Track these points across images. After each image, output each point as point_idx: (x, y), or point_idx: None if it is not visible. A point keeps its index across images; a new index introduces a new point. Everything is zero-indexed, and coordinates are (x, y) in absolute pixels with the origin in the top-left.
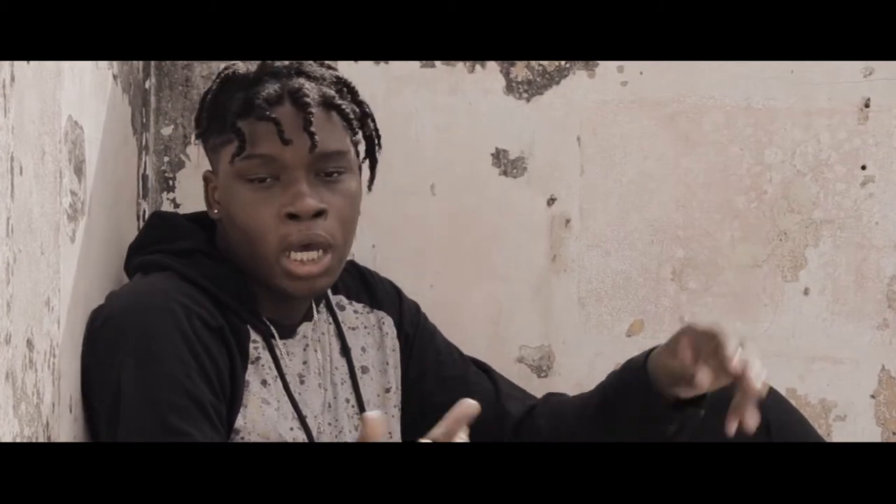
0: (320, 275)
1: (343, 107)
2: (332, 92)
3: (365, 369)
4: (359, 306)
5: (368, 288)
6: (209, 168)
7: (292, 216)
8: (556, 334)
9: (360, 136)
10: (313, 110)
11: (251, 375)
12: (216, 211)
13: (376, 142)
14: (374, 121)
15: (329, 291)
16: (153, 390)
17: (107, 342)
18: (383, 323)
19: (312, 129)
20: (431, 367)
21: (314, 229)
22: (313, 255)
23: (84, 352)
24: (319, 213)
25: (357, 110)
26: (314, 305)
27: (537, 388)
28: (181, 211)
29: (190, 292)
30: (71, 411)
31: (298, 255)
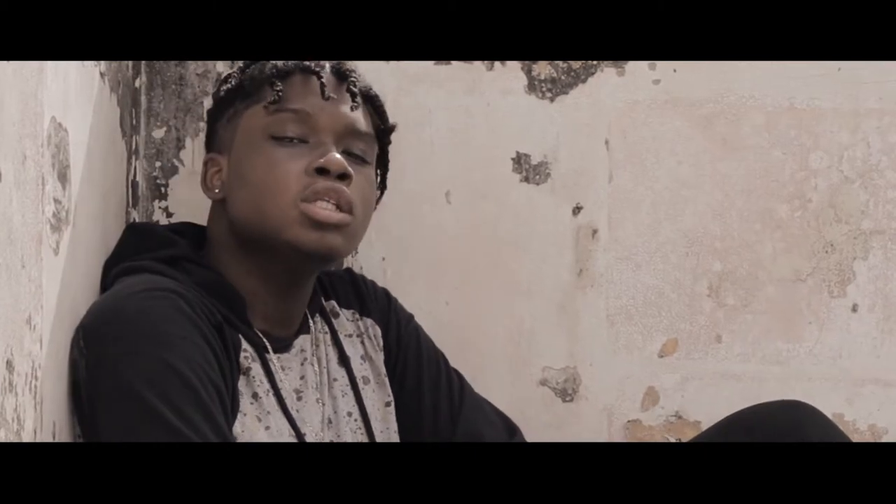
0: (338, 227)
1: (377, 103)
2: (369, 91)
3: (366, 380)
4: (348, 313)
5: (359, 295)
6: (199, 172)
7: (320, 171)
8: (583, 355)
9: (377, 145)
10: (356, 79)
11: (242, 387)
12: (217, 191)
13: (386, 161)
14: (390, 142)
15: (322, 297)
16: (172, 376)
17: (106, 346)
18: (370, 331)
19: (355, 89)
20: (425, 381)
21: (340, 185)
22: (332, 209)
23: (76, 369)
24: (346, 176)
25: (382, 124)
26: (309, 316)
27: (562, 413)
28: (174, 220)
29: (185, 288)
30: (54, 438)
31: (318, 204)
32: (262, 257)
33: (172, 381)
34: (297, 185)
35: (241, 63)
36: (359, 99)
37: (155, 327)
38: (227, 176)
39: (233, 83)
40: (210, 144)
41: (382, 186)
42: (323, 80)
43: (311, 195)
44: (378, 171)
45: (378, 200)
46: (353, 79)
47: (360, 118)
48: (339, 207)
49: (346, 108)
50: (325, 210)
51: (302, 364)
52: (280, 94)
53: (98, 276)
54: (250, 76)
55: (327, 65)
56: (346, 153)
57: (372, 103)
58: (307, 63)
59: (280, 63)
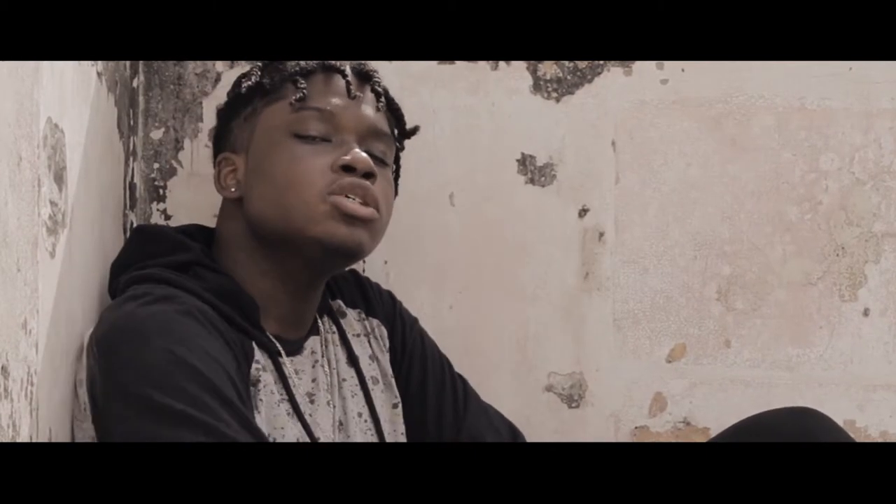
0: (365, 222)
1: (395, 105)
2: (388, 93)
3: (375, 380)
4: (354, 313)
5: (365, 295)
6: (209, 170)
7: (347, 168)
8: (589, 360)
9: (395, 147)
10: (380, 80)
11: (254, 398)
12: (233, 189)
13: (399, 167)
14: (403, 148)
15: (328, 297)
16: (184, 368)
17: (118, 345)
18: (377, 332)
19: (380, 89)
20: (430, 383)
21: (365, 183)
22: (360, 201)
23: (95, 378)
24: (371, 175)
25: (399, 127)
26: (317, 316)
27: (568, 419)
28: (173, 223)
29: (197, 301)
30: None
31: (347, 198)
32: (281, 256)
33: (185, 372)
34: (323, 181)
35: (259, 63)
36: (383, 99)
37: (166, 326)
38: (244, 174)
39: (253, 81)
40: (223, 144)
41: (395, 192)
42: (348, 78)
43: (338, 189)
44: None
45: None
46: (376, 79)
47: (381, 119)
48: (365, 203)
49: (369, 108)
50: (354, 202)
51: (313, 366)
52: (305, 91)
53: (95, 279)
54: (271, 74)
55: (348, 65)
56: (368, 153)
57: (391, 106)
58: (331, 62)
59: (303, 62)
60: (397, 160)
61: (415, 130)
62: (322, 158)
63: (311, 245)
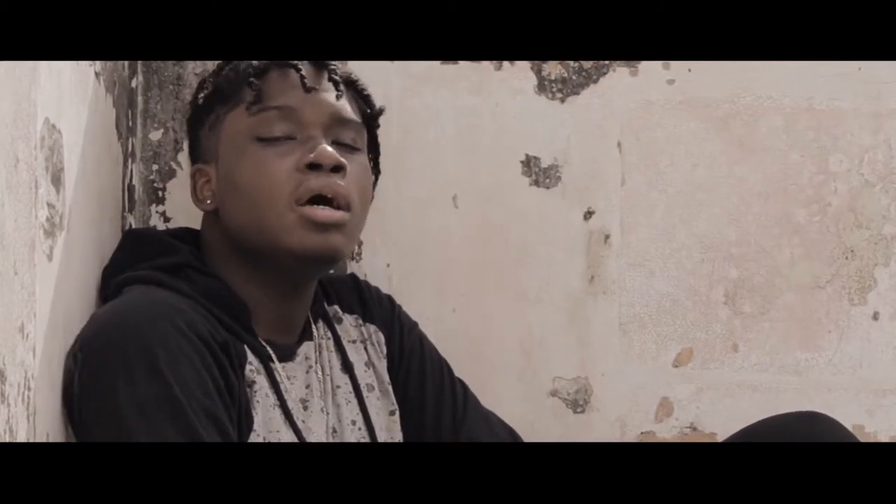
0: (337, 226)
1: (360, 87)
2: (350, 77)
3: (370, 387)
4: (351, 318)
5: (362, 300)
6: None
7: (312, 166)
8: (594, 364)
9: (366, 131)
10: (336, 68)
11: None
12: (209, 202)
13: (377, 146)
14: (378, 125)
15: (325, 302)
16: (164, 407)
17: (100, 359)
18: (374, 338)
19: (337, 77)
20: (429, 388)
21: (334, 180)
22: (330, 209)
23: (72, 381)
24: (340, 168)
25: (368, 109)
26: (312, 322)
27: (573, 424)
28: (172, 225)
29: (189, 303)
30: None
31: (315, 207)
32: (260, 264)
33: (164, 411)
34: (290, 184)
35: (214, 67)
36: (342, 87)
37: (151, 350)
38: (216, 185)
39: (209, 88)
40: (195, 155)
41: (377, 171)
42: (302, 72)
43: (305, 193)
44: (370, 156)
45: (374, 185)
46: (332, 67)
47: (345, 106)
48: (337, 206)
49: (329, 97)
50: (323, 211)
51: (307, 372)
52: (259, 92)
53: (93, 283)
54: (226, 78)
55: (307, 62)
56: (336, 143)
57: (355, 89)
58: (286, 62)
59: (255, 61)
60: (375, 140)
61: (380, 111)
62: (287, 159)
63: (286, 255)
